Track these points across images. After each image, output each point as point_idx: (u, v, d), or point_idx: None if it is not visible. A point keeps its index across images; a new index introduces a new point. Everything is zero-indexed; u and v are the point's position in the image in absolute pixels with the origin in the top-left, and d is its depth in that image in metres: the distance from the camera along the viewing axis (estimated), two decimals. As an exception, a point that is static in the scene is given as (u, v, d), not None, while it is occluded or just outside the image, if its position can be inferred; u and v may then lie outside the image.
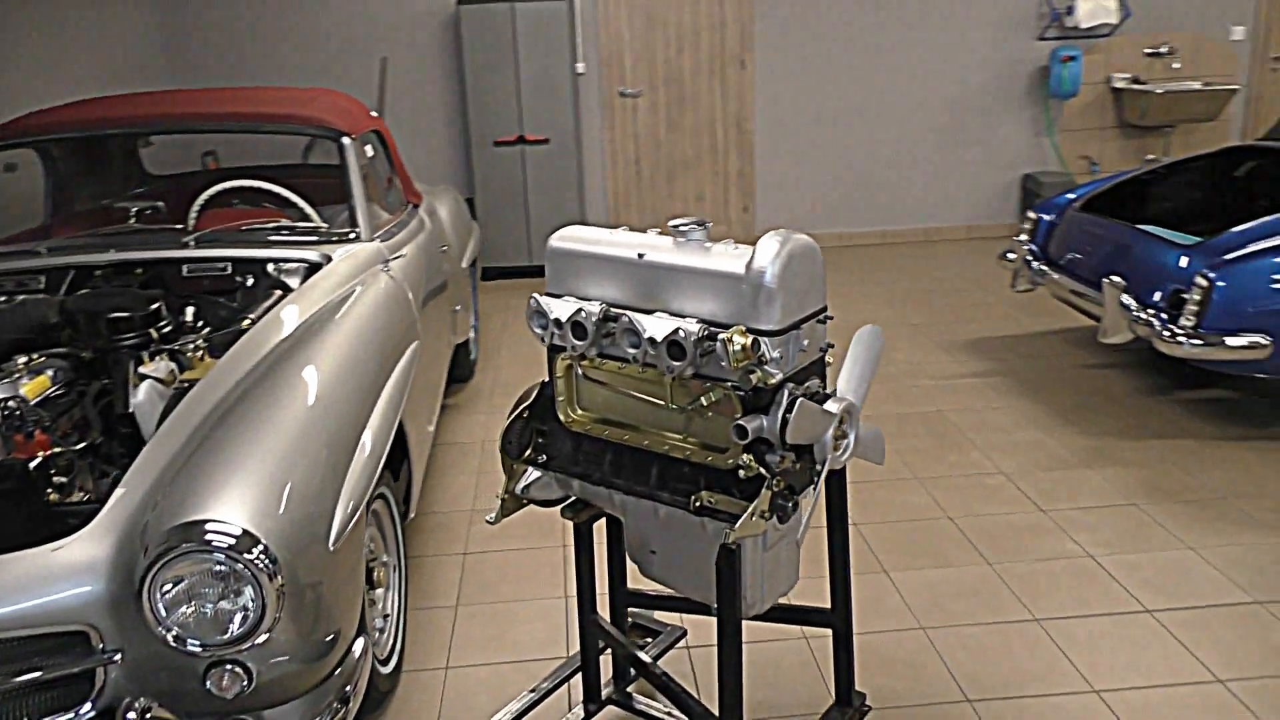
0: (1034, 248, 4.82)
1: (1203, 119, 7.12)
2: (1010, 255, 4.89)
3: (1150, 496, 3.56)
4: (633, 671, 2.42)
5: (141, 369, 2.52)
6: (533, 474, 2.13)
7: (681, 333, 1.75)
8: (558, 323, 1.91)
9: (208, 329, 2.83)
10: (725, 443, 1.85)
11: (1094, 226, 4.51)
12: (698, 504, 1.87)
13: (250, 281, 3.10)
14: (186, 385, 2.39)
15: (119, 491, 2.02)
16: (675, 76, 6.97)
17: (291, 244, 3.24)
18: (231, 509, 1.91)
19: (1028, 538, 3.31)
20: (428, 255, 3.81)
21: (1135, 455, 3.88)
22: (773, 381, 1.75)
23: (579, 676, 2.40)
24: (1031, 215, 4.93)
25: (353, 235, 3.34)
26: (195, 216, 3.32)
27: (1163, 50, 7.23)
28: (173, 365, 2.57)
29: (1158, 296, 3.91)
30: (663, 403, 1.90)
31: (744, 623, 1.93)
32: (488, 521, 2.11)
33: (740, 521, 1.79)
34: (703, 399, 1.82)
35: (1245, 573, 3.05)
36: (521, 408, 2.08)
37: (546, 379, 2.10)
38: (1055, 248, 4.72)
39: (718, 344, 1.72)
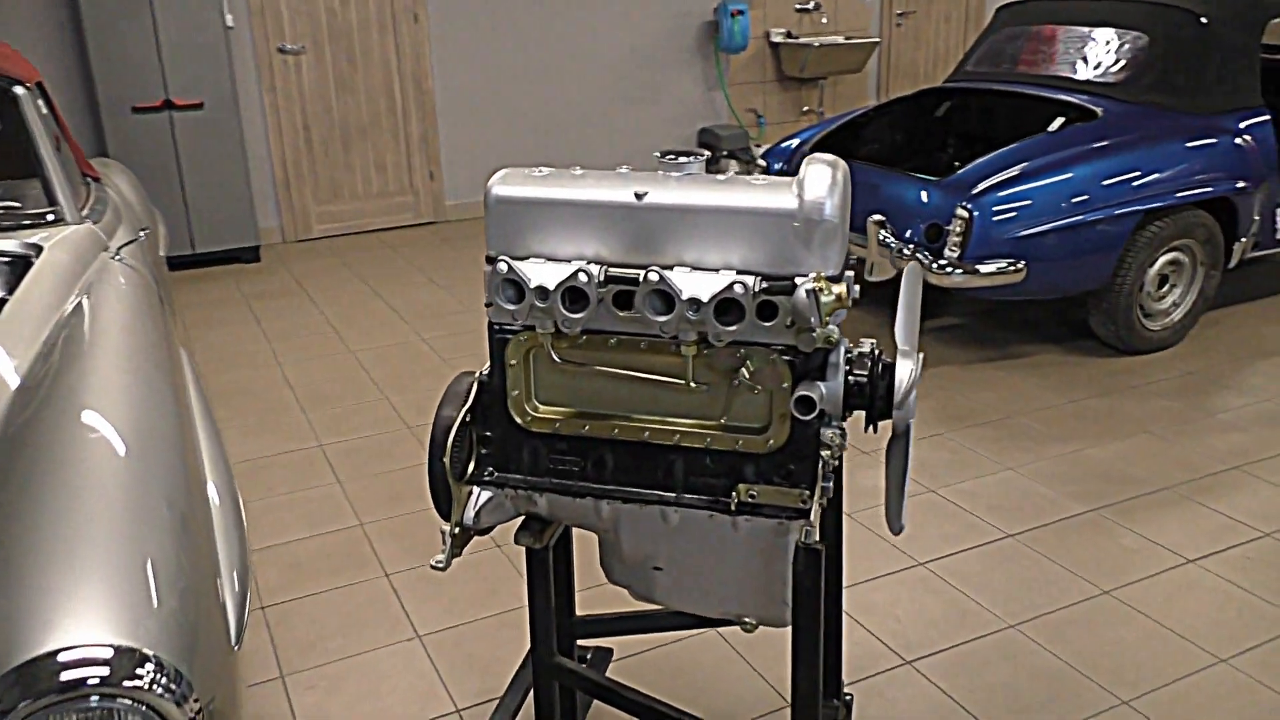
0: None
1: (853, 70, 7.63)
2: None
3: (949, 425, 3.65)
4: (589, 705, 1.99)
5: None
6: (483, 495, 1.63)
7: (739, 288, 1.36)
8: (541, 292, 1.43)
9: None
10: (761, 421, 1.50)
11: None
12: (737, 500, 1.51)
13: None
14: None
15: None
16: (342, 31, 6.22)
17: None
18: (86, 621, 1.24)
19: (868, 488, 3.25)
20: (140, 242, 2.98)
21: (914, 387, 3.99)
22: (835, 339, 1.43)
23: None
24: (762, 163, 4.93)
25: (51, 216, 2.50)
26: None
27: (810, 6, 7.63)
28: None
29: (910, 233, 4.03)
30: (680, 382, 1.50)
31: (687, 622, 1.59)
32: (434, 567, 1.59)
33: (812, 512, 1.46)
34: (745, 369, 1.45)
35: (1066, 484, 3.19)
36: (458, 414, 1.58)
37: (479, 371, 1.61)
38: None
39: (795, 297, 1.35)
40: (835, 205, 1.39)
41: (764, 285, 1.38)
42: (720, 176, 1.48)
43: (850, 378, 1.47)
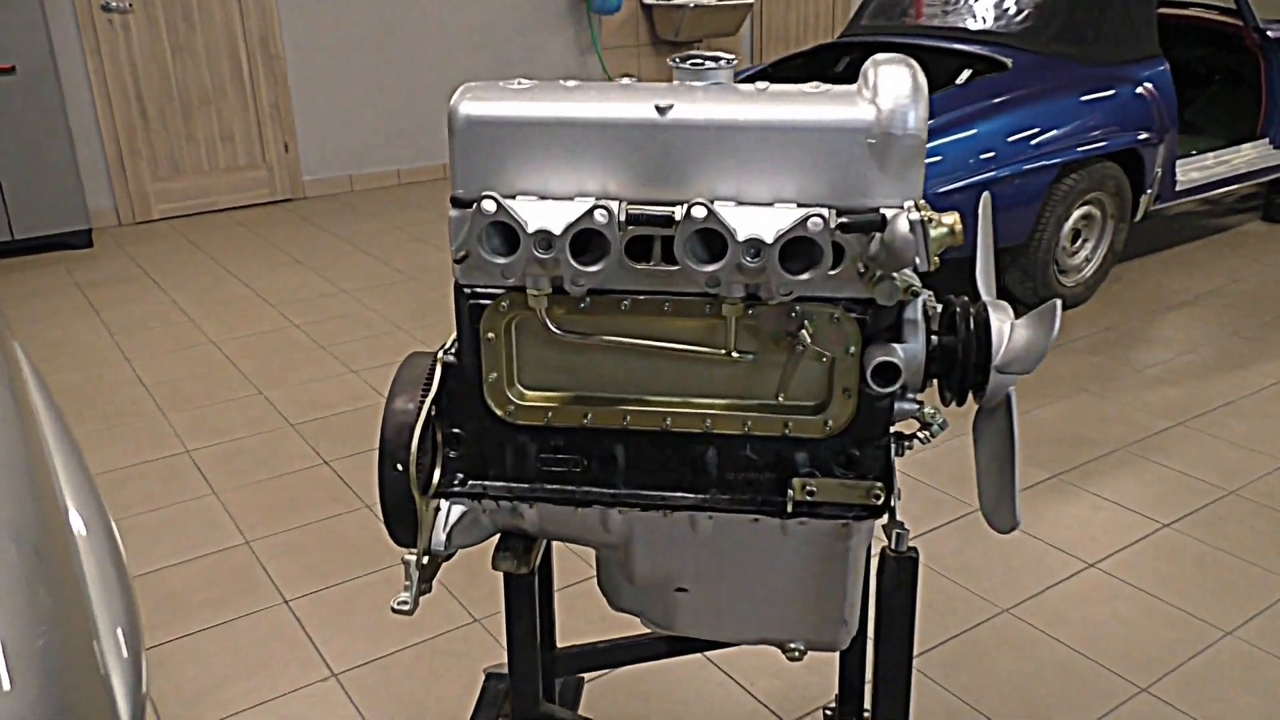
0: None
1: (727, 33, 7.39)
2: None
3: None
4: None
5: None
6: (454, 511, 1.26)
7: (815, 222, 1.03)
8: (543, 240, 1.06)
9: None
10: (817, 397, 1.18)
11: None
12: (793, 499, 1.19)
13: None
14: None
15: None
16: (177, -15, 5.55)
17: None
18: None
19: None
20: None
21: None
22: (919, 289, 1.12)
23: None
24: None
25: None
26: None
27: (683, -34, 7.34)
28: None
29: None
30: (716, 353, 1.16)
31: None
32: (397, 610, 1.21)
33: (892, 507, 1.17)
34: (805, 331, 1.12)
35: (1021, 448, 3.02)
36: (419, 405, 1.20)
37: (441, 348, 1.24)
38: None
39: (892, 231, 1.03)
40: (920, 116, 1.08)
41: (843, 219, 1.06)
42: (761, 85, 1.15)
43: (935, 337, 1.17)
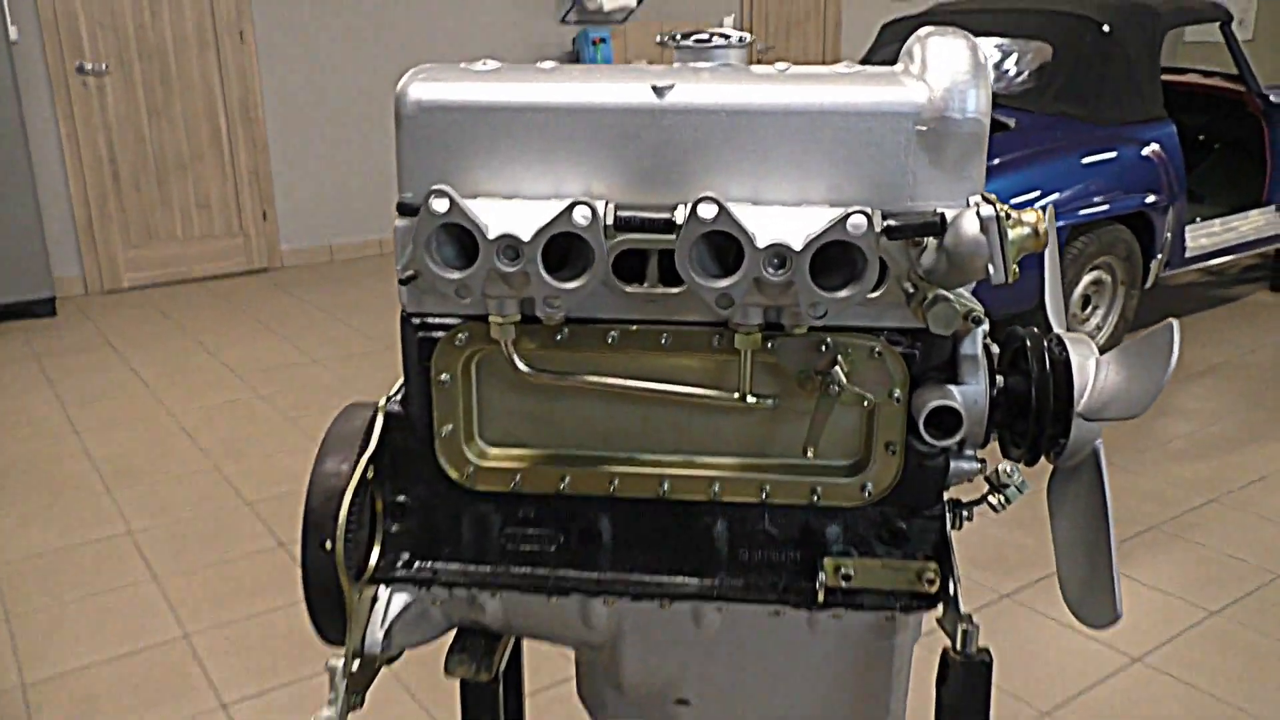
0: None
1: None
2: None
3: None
4: None
5: None
6: (396, 601, 0.99)
7: (856, 223, 0.80)
8: (509, 248, 0.83)
9: None
10: (851, 454, 0.94)
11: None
12: (824, 585, 0.93)
13: None
14: None
15: None
16: (155, 49, 5.41)
17: None
18: None
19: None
20: None
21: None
22: (981, 315, 0.89)
23: None
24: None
25: None
26: None
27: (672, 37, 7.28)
28: None
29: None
30: (727, 396, 0.92)
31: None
32: (319, 733, 0.94)
33: (953, 595, 0.92)
34: (839, 368, 0.88)
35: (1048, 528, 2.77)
36: (354, 467, 0.95)
37: (384, 398, 0.99)
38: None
39: (956, 233, 0.80)
40: (982, 98, 0.86)
41: (890, 222, 0.83)
42: (781, 65, 0.93)
43: (1000, 378, 0.93)
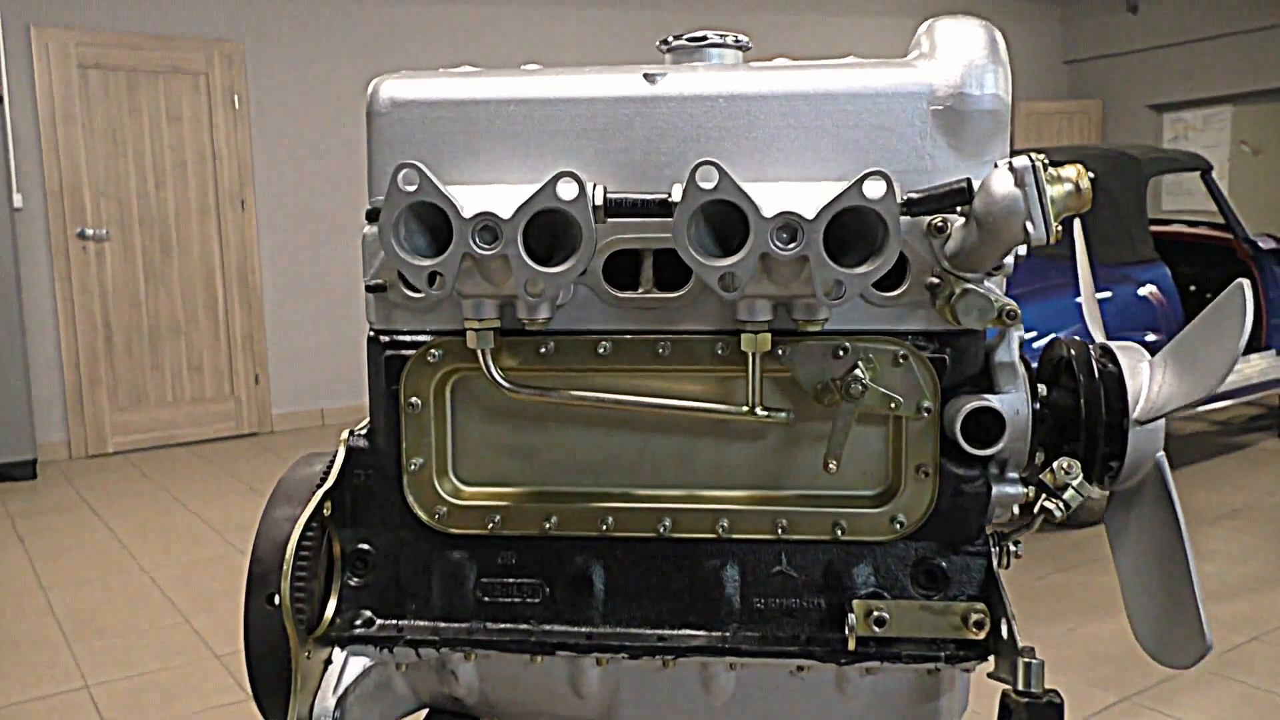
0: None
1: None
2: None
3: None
4: None
5: None
6: (353, 666, 0.85)
7: (874, 185, 0.71)
8: (487, 230, 0.74)
9: None
10: (877, 482, 0.83)
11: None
12: (854, 635, 0.79)
13: None
14: None
15: None
16: (156, 216, 5.50)
17: None
18: None
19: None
20: None
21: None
22: (1018, 313, 0.79)
23: None
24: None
25: None
26: None
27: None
28: None
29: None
30: (733, 411, 0.81)
31: None
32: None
33: (1008, 637, 0.78)
34: (858, 372, 0.78)
35: (1078, 669, 2.55)
36: (307, 510, 0.83)
37: (346, 432, 0.88)
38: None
39: (989, 194, 0.71)
40: (1001, 79, 0.79)
41: (913, 194, 0.74)
42: (779, 60, 0.88)
43: (1041, 387, 0.82)
